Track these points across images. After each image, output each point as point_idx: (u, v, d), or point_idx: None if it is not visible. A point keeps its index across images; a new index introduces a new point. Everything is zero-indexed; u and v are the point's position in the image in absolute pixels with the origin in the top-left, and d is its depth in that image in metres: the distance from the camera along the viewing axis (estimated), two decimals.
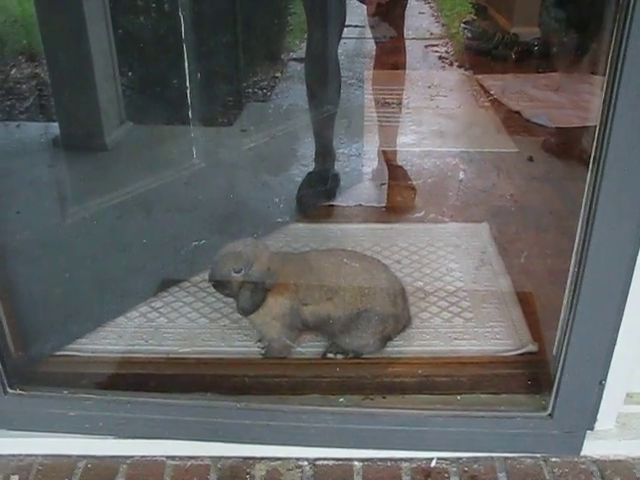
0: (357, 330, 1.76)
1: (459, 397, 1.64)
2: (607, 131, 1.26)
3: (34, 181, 1.99)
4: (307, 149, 2.78)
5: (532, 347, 1.81)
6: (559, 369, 1.48)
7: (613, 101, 1.24)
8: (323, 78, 2.68)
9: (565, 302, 1.48)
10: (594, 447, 1.60)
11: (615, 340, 1.48)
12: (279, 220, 2.48)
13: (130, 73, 2.29)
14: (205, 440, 1.63)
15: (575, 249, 1.43)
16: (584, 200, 1.38)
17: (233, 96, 2.73)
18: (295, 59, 3.79)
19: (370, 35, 2.91)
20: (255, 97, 3.43)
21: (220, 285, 1.77)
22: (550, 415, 1.52)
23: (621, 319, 1.46)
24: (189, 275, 2.21)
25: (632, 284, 1.43)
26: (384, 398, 1.68)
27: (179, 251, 2.23)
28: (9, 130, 2.25)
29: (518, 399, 1.64)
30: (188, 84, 2.27)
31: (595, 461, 1.60)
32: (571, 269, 1.45)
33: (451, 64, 4.35)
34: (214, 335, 1.94)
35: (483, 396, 1.66)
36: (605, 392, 1.54)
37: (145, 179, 2.17)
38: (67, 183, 2.11)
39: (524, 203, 2.53)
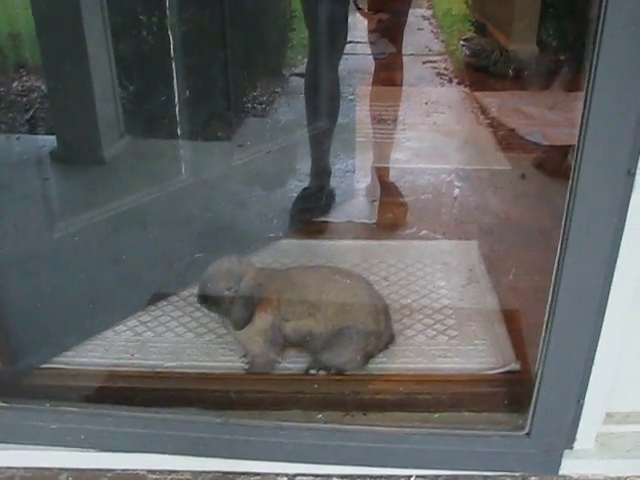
0: (339, 347, 1.77)
1: (437, 415, 1.64)
2: (580, 149, 1.28)
3: (27, 194, 2.01)
4: (303, 164, 2.80)
5: (515, 365, 1.81)
6: (536, 388, 1.48)
7: (585, 120, 1.25)
8: (322, 94, 2.71)
9: (545, 320, 1.48)
10: (573, 466, 1.60)
11: (593, 359, 1.49)
12: (271, 235, 2.49)
13: (131, 87, 2.31)
14: (185, 454, 1.64)
15: (554, 267, 1.43)
16: (563, 218, 1.39)
17: (232, 111, 2.75)
18: (296, 74, 3.81)
19: (369, 51, 2.95)
20: (254, 112, 3.45)
21: (211, 303, 1.77)
22: (528, 434, 1.52)
23: (598, 338, 1.47)
24: (178, 289, 2.22)
25: (609, 304, 1.44)
26: (365, 415, 1.68)
27: (170, 265, 2.24)
28: (7, 143, 2.27)
29: (498, 418, 1.64)
30: (187, 99, 2.29)
31: None
32: (550, 287, 1.46)
33: (450, 81, 4.38)
34: (199, 350, 1.95)
35: (464, 414, 1.67)
36: (584, 412, 1.55)
37: (140, 193, 2.18)
38: (61, 197, 2.13)
39: (515, 221, 2.54)
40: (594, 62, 1.21)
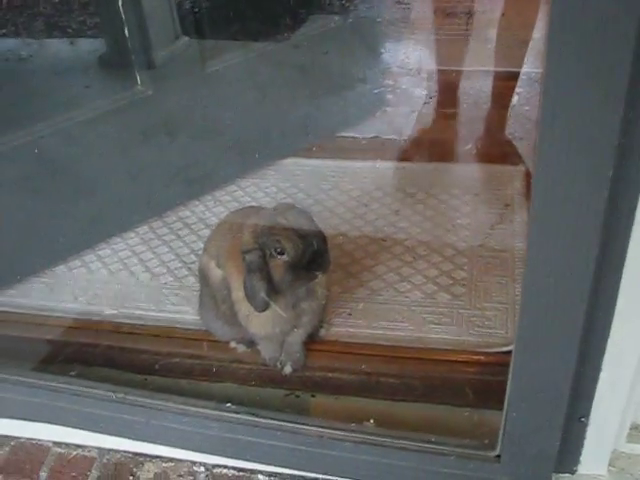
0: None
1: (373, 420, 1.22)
2: None
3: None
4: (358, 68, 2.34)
5: None
6: (507, 396, 1.03)
7: None
8: None
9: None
10: None
11: (600, 361, 1.01)
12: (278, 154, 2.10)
13: None
14: (87, 430, 1.35)
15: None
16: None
17: (302, 8, 2.41)
18: None
19: None
20: (329, 9, 3.01)
21: None
22: (498, 457, 1.08)
23: (608, 331, 0.98)
24: (151, 219, 1.90)
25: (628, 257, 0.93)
26: (313, 397, 1.31)
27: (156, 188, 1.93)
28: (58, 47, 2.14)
29: (474, 419, 1.21)
30: None
31: None
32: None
33: None
34: (149, 296, 1.63)
35: (433, 407, 1.27)
36: (591, 424, 1.08)
37: (169, 103, 1.95)
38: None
39: None
40: None
